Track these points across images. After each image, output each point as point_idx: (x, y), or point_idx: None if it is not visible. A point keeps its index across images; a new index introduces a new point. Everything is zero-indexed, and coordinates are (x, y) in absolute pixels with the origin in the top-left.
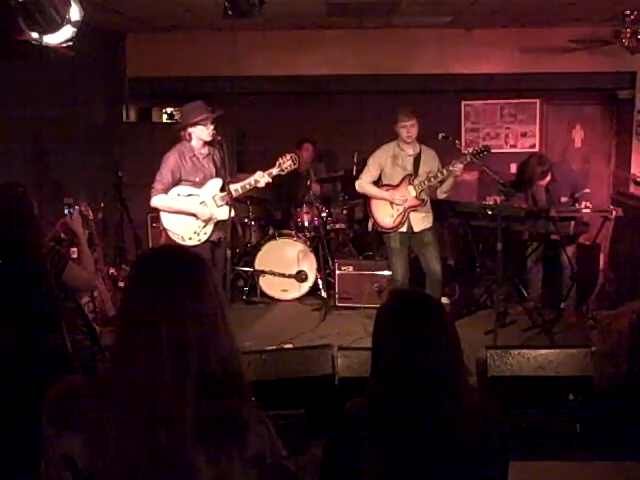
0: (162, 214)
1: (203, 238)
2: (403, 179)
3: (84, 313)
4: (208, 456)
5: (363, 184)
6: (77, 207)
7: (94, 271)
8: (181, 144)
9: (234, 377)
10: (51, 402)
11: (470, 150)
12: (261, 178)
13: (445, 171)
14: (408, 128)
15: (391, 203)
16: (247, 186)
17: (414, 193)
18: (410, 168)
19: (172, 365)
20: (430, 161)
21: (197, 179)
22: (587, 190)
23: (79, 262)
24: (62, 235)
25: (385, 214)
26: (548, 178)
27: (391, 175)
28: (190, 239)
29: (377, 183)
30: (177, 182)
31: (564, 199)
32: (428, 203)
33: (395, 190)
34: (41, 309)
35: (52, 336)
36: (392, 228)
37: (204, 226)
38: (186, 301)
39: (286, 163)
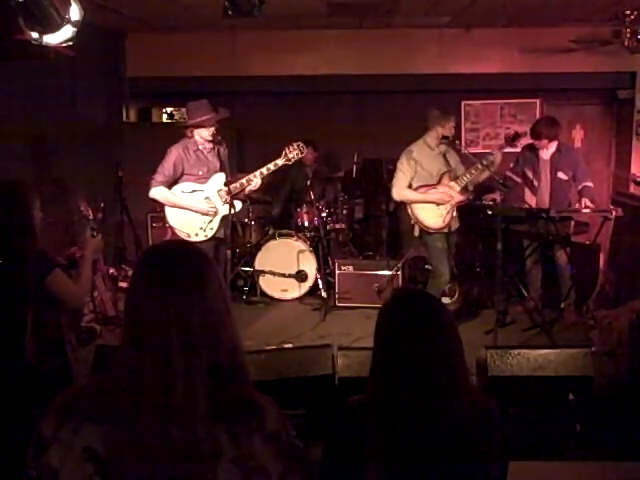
0: (167, 211)
1: (210, 234)
2: (442, 176)
3: (60, 328)
4: (230, 434)
5: (402, 193)
6: (98, 235)
7: (87, 293)
8: (186, 139)
9: (241, 369)
10: (65, 400)
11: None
12: (257, 177)
13: (485, 161)
14: (453, 130)
15: (437, 203)
16: (252, 177)
17: (458, 188)
18: (443, 165)
19: (182, 360)
20: (453, 155)
21: (200, 172)
22: (589, 184)
23: (76, 279)
24: (77, 255)
25: (432, 215)
26: (553, 149)
27: (426, 176)
28: (196, 235)
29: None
30: (180, 176)
31: (562, 175)
32: None
33: (436, 189)
34: (7, 312)
35: (11, 344)
36: (442, 228)
37: (210, 221)
38: (193, 296)
39: (293, 152)
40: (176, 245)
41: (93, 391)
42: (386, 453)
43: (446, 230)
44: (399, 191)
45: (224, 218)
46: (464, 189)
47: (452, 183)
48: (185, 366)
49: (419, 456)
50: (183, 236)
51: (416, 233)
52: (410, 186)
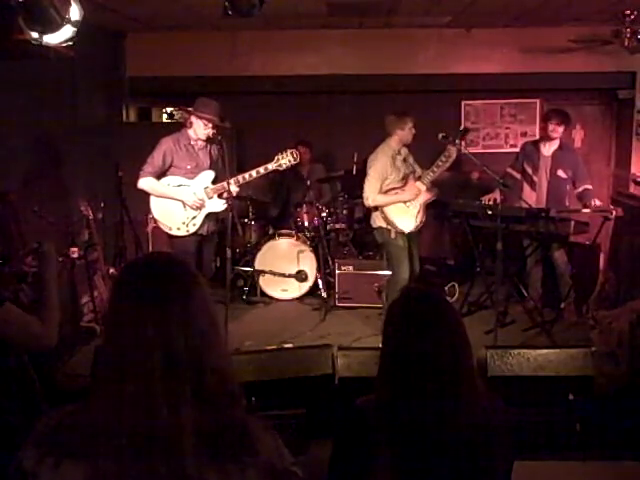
0: (152, 203)
1: (192, 229)
2: (406, 178)
3: (28, 378)
4: (219, 472)
5: (376, 199)
6: (48, 247)
7: (54, 327)
8: (179, 132)
9: (231, 390)
10: (44, 433)
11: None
12: (232, 185)
13: (444, 158)
14: (413, 129)
15: (406, 204)
16: (240, 179)
17: (424, 187)
18: (407, 168)
19: (165, 387)
20: (410, 157)
21: (189, 166)
22: (589, 186)
23: (40, 310)
24: (27, 268)
25: (405, 216)
26: (555, 146)
27: (394, 178)
28: (178, 229)
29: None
30: (168, 167)
31: (562, 173)
32: None
33: (404, 190)
34: None
35: None
36: (417, 227)
37: (193, 217)
38: (175, 316)
39: (285, 159)
40: (158, 259)
41: (73, 422)
42: (394, 453)
43: (412, 224)
44: (372, 197)
45: (209, 215)
46: (429, 187)
47: (417, 183)
48: (168, 392)
49: (428, 455)
50: (165, 229)
51: (392, 236)
52: (379, 191)
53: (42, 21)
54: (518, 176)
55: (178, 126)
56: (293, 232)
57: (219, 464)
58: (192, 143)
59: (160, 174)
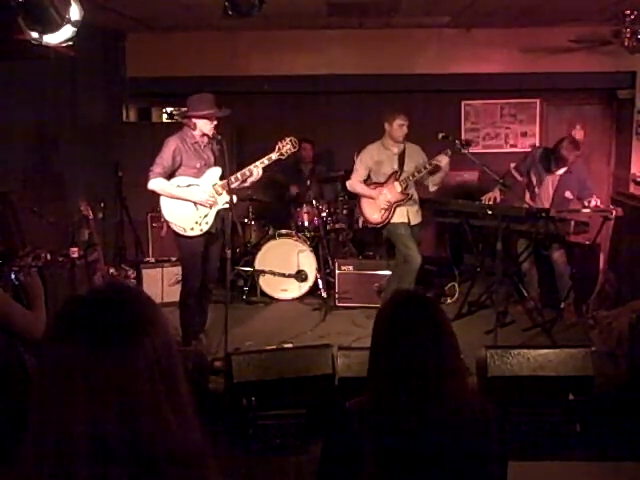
0: (162, 206)
1: (205, 228)
2: (390, 176)
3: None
4: None
5: (354, 184)
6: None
7: (43, 323)
8: (182, 131)
9: (189, 456)
10: None
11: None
12: (255, 168)
13: (429, 164)
14: (405, 127)
15: (376, 200)
16: (247, 172)
17: (399, 189)
18: (396, 165)
19: (90, 473)
20: (415, 156)
21: (198, 165)
22: (595, 200)
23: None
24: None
25: (373, 211)
26: (564, 168)
27: (378, 174)
28: (192, 229)
29: (366, 180)
30: (177, 167)
31: (569, 194)
32: (417, 199)
33: (382, 187)
34: None
35: None
36: (379, 223)
37: (205, 215)
38: (111, 374)
39: (285, 147)
40: (104, 295)
41: None
42: (383, 457)
43: (405, 221)
44: (351, 182)
45: (219, 212)
46: (405, 189)
47: (396, 183)
48: (93, 478)
49: (416, 460)
50: (179, 230)
51: (360, 225)
52: (366, 180)
53: (42, 21)
54: (520, 178)
55: (178, 126)
56: (293, 232)
57: None
58: (198, 141)
59: (170, 174)
